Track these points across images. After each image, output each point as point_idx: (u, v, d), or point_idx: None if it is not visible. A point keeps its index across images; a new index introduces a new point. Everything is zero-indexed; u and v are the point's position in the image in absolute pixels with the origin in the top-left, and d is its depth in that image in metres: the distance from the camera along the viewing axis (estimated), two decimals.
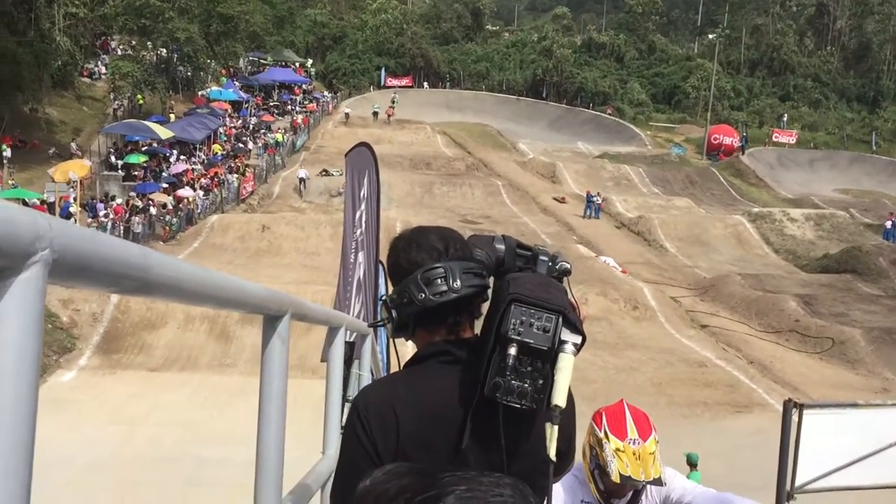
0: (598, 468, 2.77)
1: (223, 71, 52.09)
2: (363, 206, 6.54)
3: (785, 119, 59.75)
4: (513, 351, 1.57)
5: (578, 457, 2.40)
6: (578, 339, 1.64)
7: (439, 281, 1.66)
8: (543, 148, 50.20)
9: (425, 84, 66.29)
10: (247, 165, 37.65)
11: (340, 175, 37.41)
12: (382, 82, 64.28)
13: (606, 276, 25.68)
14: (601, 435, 2.76)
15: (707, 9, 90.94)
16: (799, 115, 61.17)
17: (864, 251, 30.42)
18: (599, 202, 36.25)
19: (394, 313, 1.71)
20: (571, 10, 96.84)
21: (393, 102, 56.26)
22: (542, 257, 1.81)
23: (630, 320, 22.53)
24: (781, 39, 67.95)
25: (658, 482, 2.74)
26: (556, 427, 1.59)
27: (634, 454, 2.69)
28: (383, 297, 1.79)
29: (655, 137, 56.83)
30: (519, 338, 1.57)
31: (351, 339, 3.76)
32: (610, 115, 61.04)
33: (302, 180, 36.88)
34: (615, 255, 29.36)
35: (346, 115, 52.90)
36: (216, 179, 34.32)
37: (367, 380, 3.71)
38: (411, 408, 1.65)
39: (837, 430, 8.55)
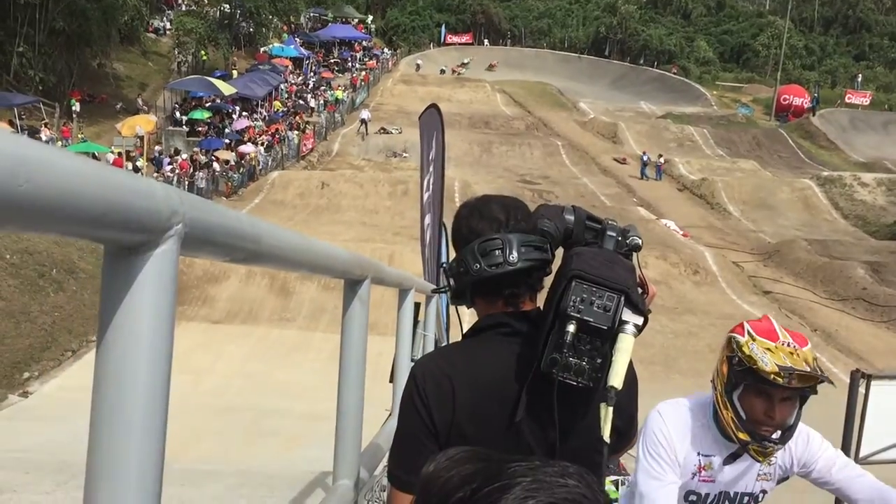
0: (740, 376, 2.16)
1: (284, 27, 52.29)
2: (431, 168, 6.57)
3: (859, 79, 57.53)
4: (571, 328, 1.55)
5: (697, 390, 2.39)
6: (640, 321, 1.62)
7: (496, 252, 1.66)
8: (605, 108, 49.36)
9: (486, 41, 65.56)
10: (307, 122, 37.92)
11: (399, 133, 37.50)
12: (442, 39, 63.79)
13: (667, 239, 25.33)
14: (744, 338, 2.18)
15: None
16: (874, 76, 58.83)
17: None
18: (661, 163, 35.62)
19: (451, 281, 1.71)
20: None
21: (465, 66, 56.70)
22: (609, 232, 1.74)
23: (690, 285, 22.24)
24: None
25: (827, 380, 2.12)
26: (610, 408, 1.58)
27: (791, 353, 2.13)
28: (444, 264, 1.77)
29: (722, 97, 55.34)
30: (578, 315, 1.56)
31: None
32: (675, 74, 59.59)
33: (363, 122, 37.24)
34: (677, 219, 28.90)
35: (418, 66, 53.72)
36: (277, 136, 34.67)
37: (430, 341, 3.75)
38: (468, 379, 1.65)
39: None
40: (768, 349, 2.13)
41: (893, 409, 8.14)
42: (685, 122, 46.46)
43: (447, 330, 5.55)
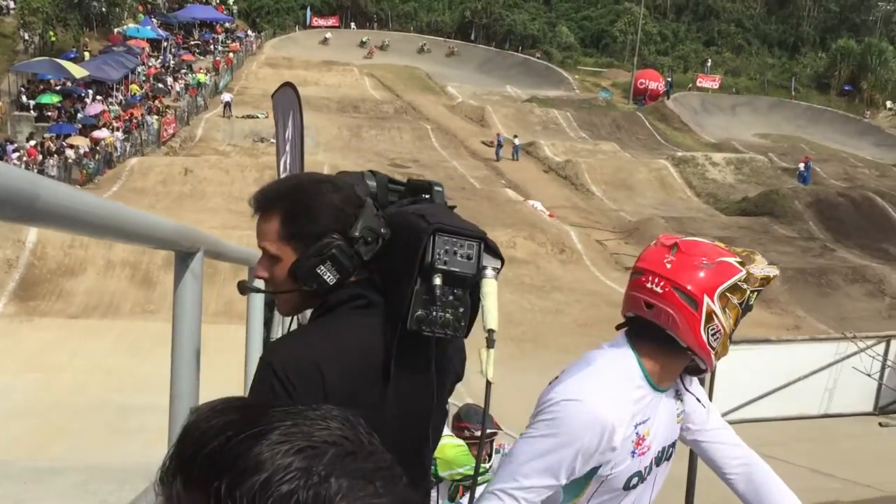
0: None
1: (140, 7, 49.96)
2: (287, 148, 6.42)
3: (709, 64, 60.69)
4: (438, 281, 1.55)
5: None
6: (498, 263, 1.65)
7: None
8: (472, 91, 49.93)
9: (353, 24, 64.93)
10: (167, 107, 36.46)
11: (266, 118, 36.62)
12: (308, 21, 62.70)
13: (534, 219, 25.96)
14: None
15: None
16: (722, 61, 62.17)
17: (781, 194, 31.42)
18: (516, 143, 36.26)
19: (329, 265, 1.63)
20: None
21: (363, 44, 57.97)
22: (437, 188, 1.78)
23: (557, 263, 22.90)
24: None
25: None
26: (491, 350, 1.60)
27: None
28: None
29: (583, 81, 57.07)
30: (445, 267, 1.57)
31: None
32: (538, 58, 60.93)
33: (227, 105, 36.50)
34: (543, 199, 29.65)
35: (326, 39, 56.95)
36: (134, 121, 33.17)
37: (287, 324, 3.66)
38: (335, 360, 1.55)
39: (750, 365, 8.94)
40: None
41: (740, 374, 8.71)
42: (549, 105, 47.65)
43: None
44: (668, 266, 1.91)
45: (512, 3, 67.32)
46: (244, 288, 1.74)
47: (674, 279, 1.89)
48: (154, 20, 49.35)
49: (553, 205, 29.47)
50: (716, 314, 1.89)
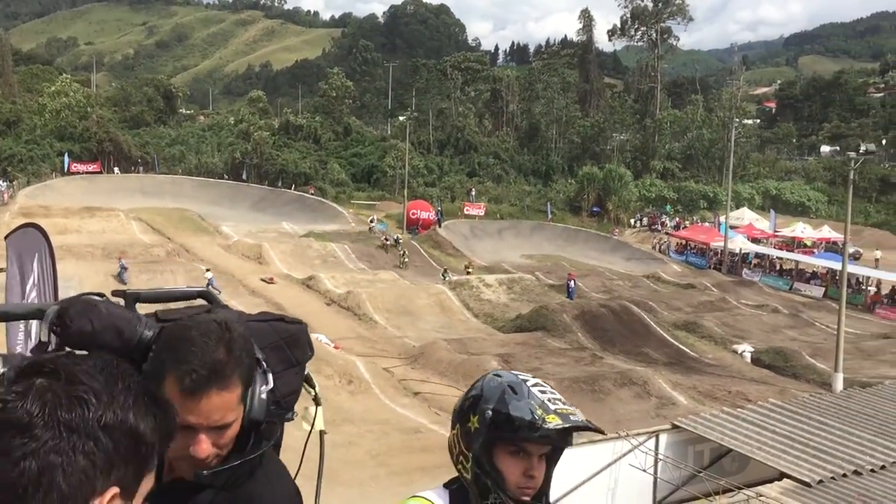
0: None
1: None
2: (35, 294, 5.93)
3: (473, 193, 64.64)
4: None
5: None
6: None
7: None
8: (248, 230, 49.55)
9: (116, 169, 62.81)
10: None
11: None
12: (66, 168, 59.86)
13: (320, 352, 25.52)
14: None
15: (396, 94, 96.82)
16: (485, 189, 66.51)
17: (550, 309, 33.47)
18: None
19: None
20: (267, 93, 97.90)
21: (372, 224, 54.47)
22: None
23: (346, 395, 22.63)
24: (464, 121, 73.94)
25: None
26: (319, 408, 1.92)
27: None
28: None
29: (358, 214, 58.57)
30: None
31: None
32: (312, 194, 62.00)
33: None
34: (327, 332, 29.47)
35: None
36: None
37: None
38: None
39: None
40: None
41: None
42: (327, 239, 48.23)
43: None
44: None
45: (282, 143, 68.56)
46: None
47: None
48: None
49: (338, 336, 29.38)
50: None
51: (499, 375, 1.92)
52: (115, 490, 1.05)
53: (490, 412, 1.83)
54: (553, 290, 40.60)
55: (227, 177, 64.85)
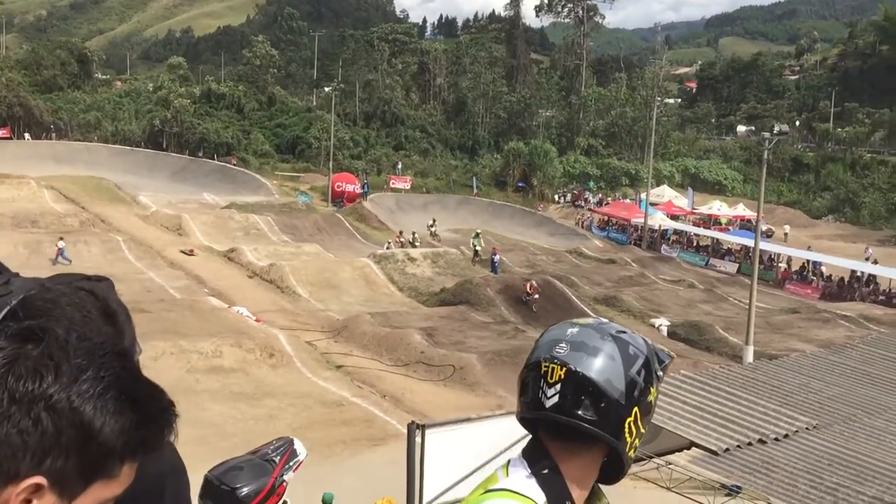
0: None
1: None
2: None
3: (399, 167, 64.37)
4: None
5: None
6: None
7: None
8: (167, 200, 48.28)
9: (27, 135, 60.28)
10: None
11: None
12: None
13: (240, 326, 25.31)
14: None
15: (322, 64, 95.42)
16: (411, 163, 66.31)
17: (475, 283, 33.73)
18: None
19: None
20: (188, 60, 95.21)
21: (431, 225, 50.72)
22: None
23: (267, 368, 22.38)
24: (391, 94, 73.37)
25: None
26: None
27: None
28: None
29: (282, 186, 57.72)
30: None
31: None
32: (235, 165, 60.77)
33: None
34: (249, 305, 29.07)
35: None
36: None
37: None
38: None
39: (457, 445, 9.32)
40: None
41: (448, 454, 9.04)
42: (249, 210, 47.41)
43: None
44: None
45: (203, 112, 66.86)
46: None
47: None
48: None
49: (260, 309, 29.00)
50: None
51: (602, 325, 1.54)
52: (38, 480, 0.93)
53: (660, 373, 1.56)
54: (478, 264, 40.89)
55: (145, 145, 62.97)
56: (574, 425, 1.45)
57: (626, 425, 1.47)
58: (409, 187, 60.07)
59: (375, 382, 22.56)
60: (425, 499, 7.07)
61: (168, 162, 60.23)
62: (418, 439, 7.24)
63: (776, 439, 10.48)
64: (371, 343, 26.19)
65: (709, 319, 31.92)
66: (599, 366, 1.45)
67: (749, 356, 25.06)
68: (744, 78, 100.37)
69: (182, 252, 36.92)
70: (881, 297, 39.24)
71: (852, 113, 77.55)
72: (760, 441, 10.31)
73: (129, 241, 37.18)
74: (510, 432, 9.99)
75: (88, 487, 0.98)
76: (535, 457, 1.51)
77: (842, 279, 41.81)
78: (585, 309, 31.91)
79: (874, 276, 41.19)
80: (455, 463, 8.53)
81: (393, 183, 60.01)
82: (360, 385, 22.05)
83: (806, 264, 44.03)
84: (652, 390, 1.52)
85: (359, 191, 56.00)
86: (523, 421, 1.55)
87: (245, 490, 2.43)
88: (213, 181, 56.00)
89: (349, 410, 19.61)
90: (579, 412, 1.44)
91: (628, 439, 1.48)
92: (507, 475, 1.51)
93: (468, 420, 8.21)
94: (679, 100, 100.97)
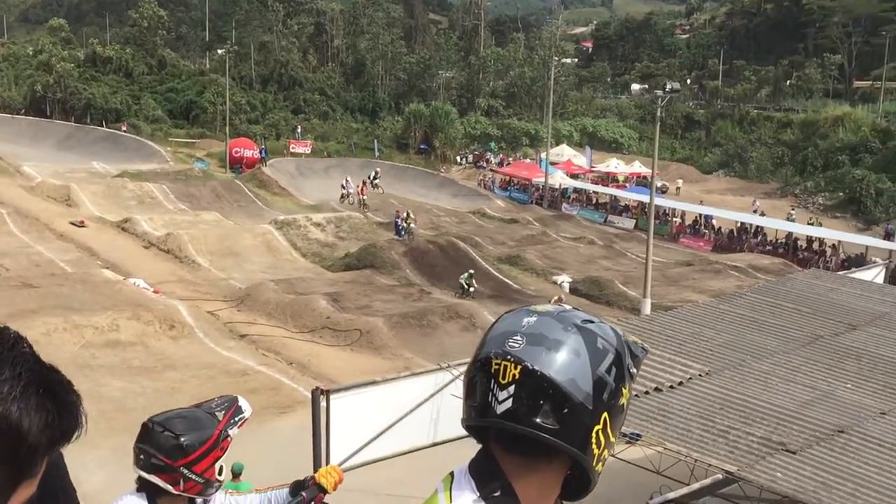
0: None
1: None
2: None
3: (299, 131, 63.18)
4: None
5: None
6: None
7: None
8: (54, 170, 46.07)
9: None
10: None
11: None
12: None
13: (138, 298, 24.53)
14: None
15: (214, 25, 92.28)
16: (311, 127, 65.15)
17: (379, 247, 33.63)
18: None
19: None
20: (70, 22, 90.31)
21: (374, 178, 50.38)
22: None
23: (167, 340, 21.84)
24: (287, 56, 71.63)
25: None
26: None
27: None
28: None
29: (176, 153, 55.86)
30: None
31: None
32: (125, 132, 58.39)
33: None
34: (146, 276, 28.20)
35: None
36: None
37: None
38: None
39: (363, 408, 9.34)
40: None
41: (355, 417, 9.04)
42: (143, 179, 45.78)
43: None
44: None
45: (89, 77, 63.83)
46: None
47: None
48: None
49: (158, 280, 28.17)
50: None
51: (565, 314, 1.30)
52: None
53: (633, 369, 1.34)
54: (381, 227, 40.75)
55: (27, 112, 59.71)
56: (531, 435, 1.21)
57: (594, 434, 1.24)
58: (309, 151, 59.11)
59: (281, 350, 22.33)
60: (332, 462, 7.05)
61: (53, 130, 57.39)
62: (323, 404, 7.21)
63: (671, 387, 10.92)
64: (275, 310, 25.85)
65: (608, 275, 32.81)
66: (562, 363, 1.22)
67: (647, 308, 25.96)
68: (637, 37, 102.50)
69: (72, 224, 35.44)
70: (768, 248, 41.16)
71: (739, 70, 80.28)
72: (657, 389, 10.73)
73: (14, 214, 35.43)
74: (416, 394, 10.07)
75: (16, 489, 0.94)
76: (484, 474, 1.27)
77: (731, 231, 43.63)
78: (489, 269, 32.31)
79: (761, 228, 43.13)
80: (362, 426, 8.56)
81: (293, 147, 58.91)
82: (265, 353, 21.79)
83: (698, 218, 45.66)
84: (624, 391, 1.29)
85: (257, 156, 54.74)
86: (470, 429, 1.31)
87: (188, 439, 2.38)
88: (102, 149, 53.70)
89: (255, 379, 19.37)
90: (537, 420, 1.21)
91: (596, 451, 1.25)
92: (451, 500, 1.27)
93: (374, 383, 8.22)
94: (576, 60, 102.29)
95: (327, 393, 7.17)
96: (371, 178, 49.68)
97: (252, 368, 20.20)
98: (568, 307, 1.32)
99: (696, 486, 11.22)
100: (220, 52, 77.77)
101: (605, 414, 1.25)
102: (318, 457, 6.54)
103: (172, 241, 33.51)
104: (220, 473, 2.81)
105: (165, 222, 36.82)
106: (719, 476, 10.69)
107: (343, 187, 47.00)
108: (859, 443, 10.09)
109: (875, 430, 10.43)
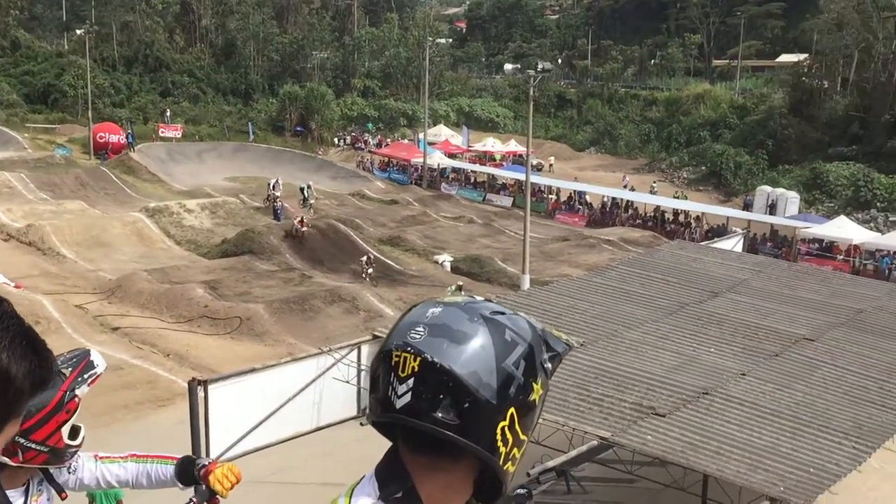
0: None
1: None
2: None
3: (168, 114, 60.86)
4: None
5: None
6: None
7: None
8: None
9: None
10: None
11: None
12: None
13: None
14: None
15: (72, 4, 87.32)
16: (181, 110, 62.85)
17: (257, 232, 32.98)
18: None
19: None
20: None
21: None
22: None
23: None
24: (152, 36, 68.70)
25: None
26: None
27: None
28: None
29: (35, 140, 52.79)
30: None
31: None
32: None
33: None
34: (6, 270, 26.67)
35: None
36: None
37: None
38: None
39: (244, 397, 9.19)
40: None
41: (234, 407, 8.88)
42: None
43: None
44: None
45: None
46: None
47: None
48: None
49: (19, 274, 26.69)
50: None
51: (472, 305, 1.25)
52: None
53: (548, 364, 1.26)
54: (259, 212, 39.95)
55: None
56: (431, 431, 1.15)
57: (499, 431, 1.18)
58: (180, 136, 57.07)
59: (157, 342, 21.65)
60: (213, 454, 6.94)
61: None
62: (201, 395, 7.07)
63: None
64: (149, 301, 25.00)
65: (488, 252, 33.38)
66: (464, 355, 1.15)
67: (526, 284, 26.61)
68: (509, 17, 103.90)
69: None
70: (638, 221, 42.89)
71: (607, 50, 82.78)
72: None
73: None
74: (298, 379, 9.99)
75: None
76: (388, 475, 1.21)
77: (603, 206, 45.18)
78: (370, 250, 32.26)
79: (631, 202, 44.86)
80: (244, 415, 8.44)
81: (162, 132, 56.68)
82: (139, 346, 21.07)
83: (573, 194, 47.01)
84: (535, 386, 1.22)
85: (124, 141, 52.41)
86: (376, 426, 1.24)
87: None
88: None
89: (130, 373, 18.72)
90: (437, 415, 1.15)
91: (502, 449, 1.19)
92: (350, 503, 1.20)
93: (253, 371, 8.10)
94: (450, 40, 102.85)
95: (205, 383, 7.02)
96: (304, 192, 41.87)
97: (126, 362, 19.49)
98: (479, 298, 1.27)
99: (573, 453, 11.66)
100: (78, 32, 73.69)
101: (513, 409, 1.18)
102: (198, 449, 6.42)
103: (34, 233, 31.79)
104: (72, 438, 2.60)
105: (25, 213, 34.88)
106: (595, 442, 11.15)
107: (270, 188, 41.22)
108: (722, 403, 10.74)
109: (736, 390, 11.12)
